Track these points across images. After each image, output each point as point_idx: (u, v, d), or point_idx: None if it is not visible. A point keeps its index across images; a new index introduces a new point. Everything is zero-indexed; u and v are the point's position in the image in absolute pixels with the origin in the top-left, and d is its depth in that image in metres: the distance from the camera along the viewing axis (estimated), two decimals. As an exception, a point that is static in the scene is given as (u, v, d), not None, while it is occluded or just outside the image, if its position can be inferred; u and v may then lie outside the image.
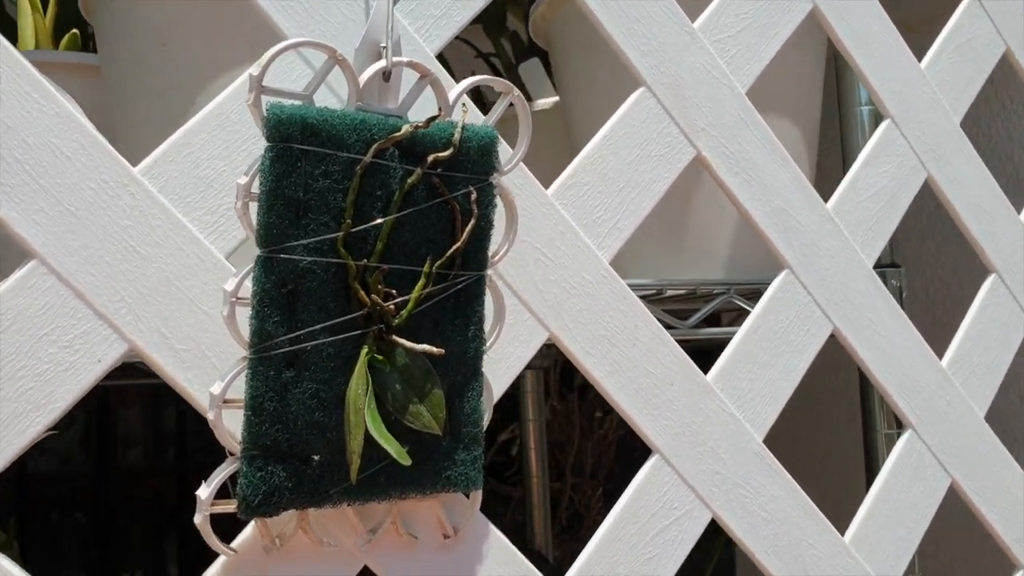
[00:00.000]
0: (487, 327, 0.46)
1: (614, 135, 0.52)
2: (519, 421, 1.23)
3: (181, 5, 0.52)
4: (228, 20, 0.51)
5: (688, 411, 0.54)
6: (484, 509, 0.48)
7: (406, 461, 0.39)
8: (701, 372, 0.55)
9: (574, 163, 0.51)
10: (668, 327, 0.64)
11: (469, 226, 0.43)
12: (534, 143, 0.47)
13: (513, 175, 0.49)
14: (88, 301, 0.41)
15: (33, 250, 0.40)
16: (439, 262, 0.43)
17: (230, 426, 0.41)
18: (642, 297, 0.64)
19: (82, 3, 0.59)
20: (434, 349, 0.41)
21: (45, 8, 0.74)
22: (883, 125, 0.63)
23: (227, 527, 0.44)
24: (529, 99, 0.90)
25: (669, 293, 0.66)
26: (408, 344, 0.41)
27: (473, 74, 1.03)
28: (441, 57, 1.00)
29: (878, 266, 0.63)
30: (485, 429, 0.46)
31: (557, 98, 0.79)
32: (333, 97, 0.45)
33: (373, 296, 0.40)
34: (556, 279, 0.50)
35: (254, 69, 0.39)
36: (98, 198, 0.41)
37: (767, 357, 0.57)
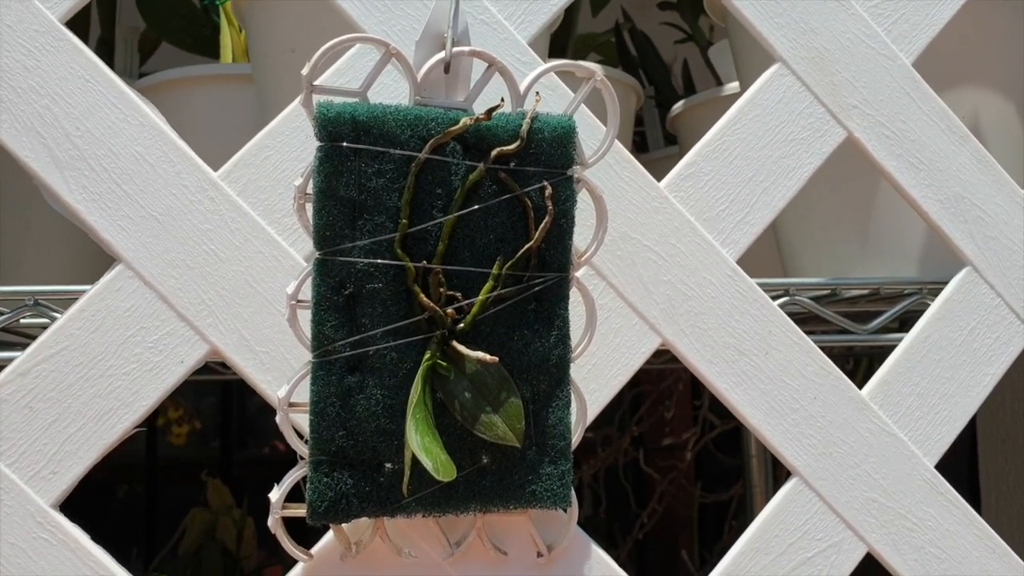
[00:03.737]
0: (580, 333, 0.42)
1: (742, 119, 0.47)
2: (745, 487, 1.14)
3: (305, 15, 0.53)
4: (347, 28, 0.51)
5: (836, 429, 0.47)
6: None
7: (447, 476, 0.37)
8: (854, 386, 0.48)
9: (692, 152, 0.47)
10: (845, 332, 0.57)
11: (543, 224, 0.40)
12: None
13: (620, 168, 0.46)
14: (171, 303, 0.42)
15: (119, 254, 0.41)
16: (509, 263, 0.40)
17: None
18: (814, 298, 0.57)
19: (235, 12, 0.61)
20: (487, 357, 0.38)
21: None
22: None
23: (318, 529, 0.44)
24: (719, 83, 0.84)
25: (851, 293, 0.59)
26: (463, 350, 0.39)
27: (684, 59, 0.98)
28: (647, 39, 0.97)
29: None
30: (577, 442, 0.43)
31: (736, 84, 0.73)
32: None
33: (425, 300, 0.38)
34: (670, 279, 0.46)
35: (305, 69, 0.38)
36: (179, 203, 0.42)
37: (941, 369, 0.49)
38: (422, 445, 0.37)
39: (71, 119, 0.41)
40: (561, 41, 0.91)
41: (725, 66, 0.81)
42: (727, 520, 1.70)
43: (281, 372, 0.43)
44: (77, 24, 0.91)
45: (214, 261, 0.42)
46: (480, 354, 0.38)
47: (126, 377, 0.41)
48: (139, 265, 0.41)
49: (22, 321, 0.51)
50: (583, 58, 0.99)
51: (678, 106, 0.83)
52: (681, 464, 1.71)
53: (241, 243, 0.42)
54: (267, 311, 0.42)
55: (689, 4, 0.86)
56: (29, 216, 0.70)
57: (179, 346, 0.42)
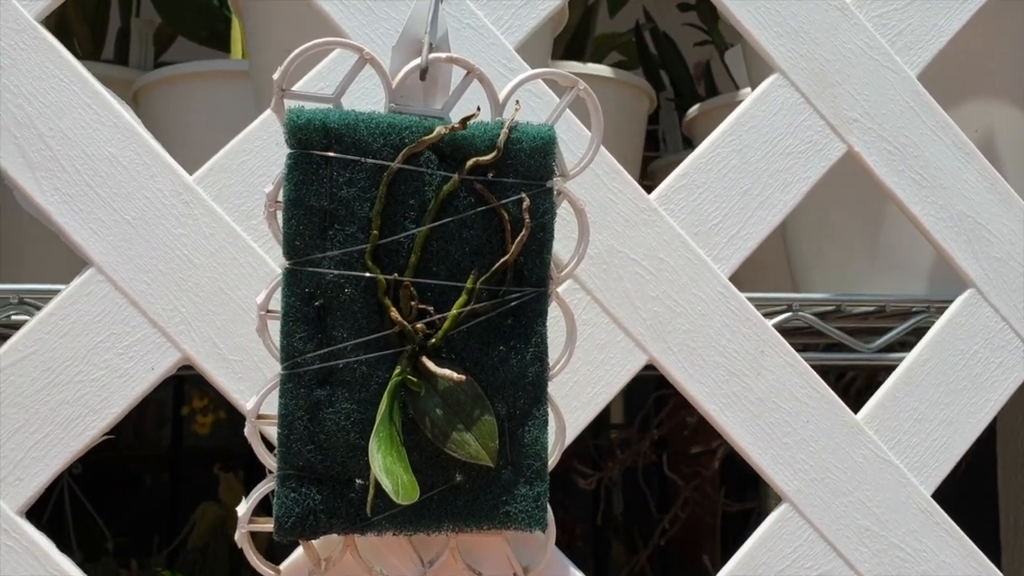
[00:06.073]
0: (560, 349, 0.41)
1: (738, 130, 0.45)
2: (761, 496, 1.11)
3: (299, 15, 0.52)
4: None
5: (829, 454, 0.46)
6: None
7: (407, 499, 0.36)
8: (848, 410, 0.46)
9: (685, 163, 0.45)
10: (847, 350, 0.55)
11: (519, 237, 0.39)
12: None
13: (608, 179, 0.44)
14: (142, 309, 0.41)
15: (90, 258, 0.41)
16: (484, 277, 0.39)
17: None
18: (819, 314, 0.56)
19: (234, 9, 0.60)
20: (455, 375, 0.37)
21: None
22: None
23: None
24: (736, 87, 0.82)
25: (857, 310, 0.57)
26: (431, 367, 0.37)
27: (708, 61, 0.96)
28: (668, 39, 0.96)
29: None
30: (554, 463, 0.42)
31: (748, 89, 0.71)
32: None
33: (395, 314, 0.37)
34: (658, 295, 0.44)
35: (276, 73, 0.37)
36: (153, 207, 0.41)
37: (940, 394, 0.47)
38: (383, 466, 0.36)
39: (44, 119, 0.40)
40: (579, 41, 0.89)
41: (741, 70, 0.79)
42: (749, 528, 1.68)
43: (254, 381, 0.42)
44: (96, 17, 0.91)
45: (187, 267, 0.41)
46: (448, 372, 0.37)
47: (95, 384, 0.41)
48: (110, 269, 0.41)
49: (13, 317, 0.51)
50: (602, 58, 0.97)
51: (693, 110, 0.82)
52: (706, 471, 1.69)
53: (215, 249, 0.41)
54: (241, 319, 0.42)
55: (708, 6, 0.84)
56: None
57: (150, 353, 0.41)
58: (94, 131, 0.41)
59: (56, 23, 0.86)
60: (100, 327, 0.41)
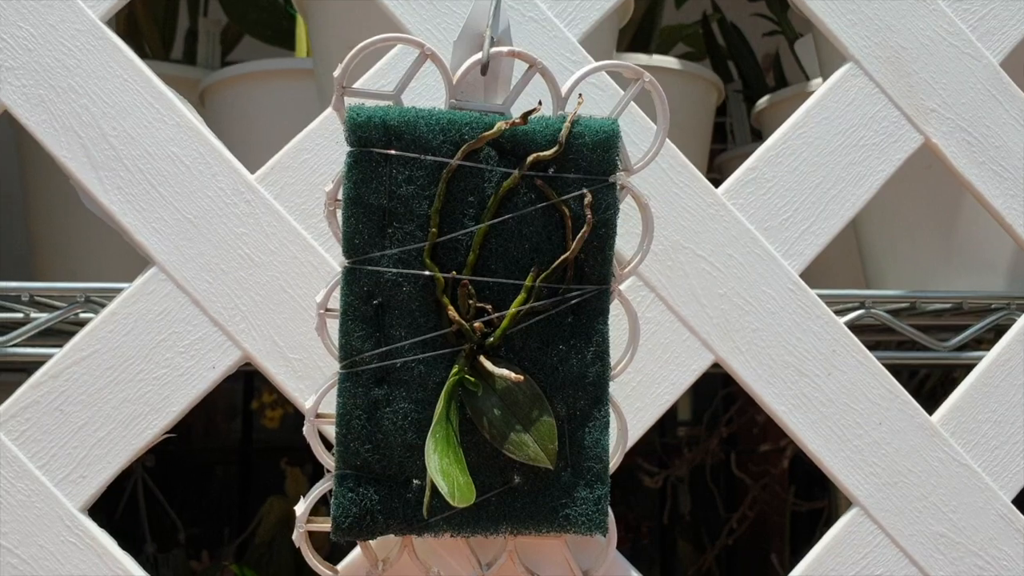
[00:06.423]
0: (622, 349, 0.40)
1: (809, 122, 0.44)
2: (830, 495, 1.08)
3: (362, 12, 0.52)
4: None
5: (902, 458, 0.44)
6: None
7: (463, 502, 0.35)
8: (924, 412, 0.44)
9: (754, 156, 0.44)
10: (922, 348, 0.53)
11: (580, 233, 0.38)
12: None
13: (674, 173, 0.43)
14: (204, 308, 0.41)
15: (152, 257, 0.41)
16: (543, 274, 0.38)
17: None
18: (892, 311, 0.54)
19: (298, 7, 0.60)
20: (512, 375, 0.36)
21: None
22: None
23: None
24: (807, 77, 0.80)
25: (932, 307, 0.55)
26: (489, 366, 0.37)
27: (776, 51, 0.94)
28: (736, 30, 0.94)
29: None
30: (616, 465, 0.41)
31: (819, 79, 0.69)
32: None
33: (453, 313, 0.37)
34: (725, 292, 0.43)
35: (337, 70, 0.37)
36: (214, 206, 0.41)
37: (1021, 396, 0.45)
38: (439, 467, 0.35)
39: (108, 119, 0.41)
40: (645, 33, 0.88)
41: (812, 60, 0.77)
42: (819, 526, 1.64)
43: (314, 380, 0.41)
44: (165, 17, 0.92)
45: (248, 265, 0.41)
46: (505, 371, 0.36)
47: (156, 382, 0.41)
48: (172, 268, 0.41)
49: (81, 315, 0.51)
50: (669, 50, 0.95)
51: (763, 101, 0.80)
52: (775, 470, 1.66)
53: (276, 248, 0.41)
54: (301, 317, 0.41)
55: (777, -3, 0.82)
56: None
57: (211, 351, 0.41)
58: (157, 130, 0.41)
59: (125, 24, 0.87)
60: (162, 325, 0.41)
